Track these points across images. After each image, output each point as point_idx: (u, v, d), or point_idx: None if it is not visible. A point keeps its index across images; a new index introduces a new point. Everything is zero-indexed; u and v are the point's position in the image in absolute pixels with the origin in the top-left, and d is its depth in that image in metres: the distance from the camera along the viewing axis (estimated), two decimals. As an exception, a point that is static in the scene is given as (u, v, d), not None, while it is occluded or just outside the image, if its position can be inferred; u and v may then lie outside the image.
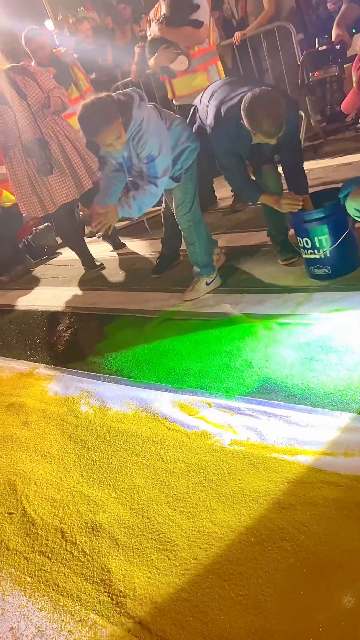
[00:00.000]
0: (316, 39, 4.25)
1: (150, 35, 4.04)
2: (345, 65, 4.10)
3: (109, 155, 2.67)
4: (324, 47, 3.95)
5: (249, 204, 4.05)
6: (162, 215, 3.32)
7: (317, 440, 1.65)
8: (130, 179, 2.76)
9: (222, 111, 2.58)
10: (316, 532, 1.36)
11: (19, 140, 3.65)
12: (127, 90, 2.63)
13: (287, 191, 2.72)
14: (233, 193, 4.22)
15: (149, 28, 4.13)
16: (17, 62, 4.13)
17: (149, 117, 2.55)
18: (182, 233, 2.99)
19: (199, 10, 3.81)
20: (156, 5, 4.01)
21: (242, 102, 2.40)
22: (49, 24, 11.41)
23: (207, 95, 2.82)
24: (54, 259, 5.01)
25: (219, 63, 4.17)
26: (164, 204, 3.20)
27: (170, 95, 4.22)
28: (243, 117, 2.40)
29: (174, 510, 1.60)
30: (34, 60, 4.53)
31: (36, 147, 3.61)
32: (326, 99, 4.45)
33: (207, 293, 2.96)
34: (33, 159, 3.66)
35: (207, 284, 2.99)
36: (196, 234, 2.93)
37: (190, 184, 2.84)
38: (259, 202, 2.77)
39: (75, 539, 1.63)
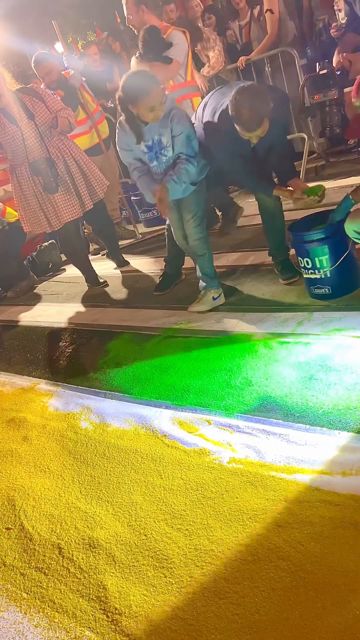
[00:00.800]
0: (317, 63, 4.35)
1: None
2: (345, 90, 4.20)
3: (137, 151, 2.77)
4: (325, 71, 4.05)
5: (237, 226, 4.11)
6: (166, 234, 3.37)
7: (315, 459, 1.65)
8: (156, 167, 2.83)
9: (216, 117, 2.67)
10: (313, 552, 1.36)
11: (26, 159, 3.72)
12: None
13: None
14: (221, 214, 4.27)
15: None
16: (27, 83, 4.24)
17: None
18: (192, 246, 3.00)
19: (172, 48, 4.12)
20: None
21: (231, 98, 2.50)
22: (58, 46, 11.69)
23: (200, 109, 2.91)
24: (58, 276, 5.06)
25: (195, 99, 4.35)
26: (167, 223, 3.24)
27: None
28: (230, 112, 2.49)
29: (172, 527, 1.60)
30: (43, 83, 4.64)
31: (43, 166, 3.68)
32: (326, 121, 4.53)
33: (208, 311, 2.98)
34: (39, 177, 3.73)
35: (214, 298, 3.01)
36: (206, 245, 3.00)
37: (202, 196, 2.91)
38: (274, 194, 2.79)
39: (72, 555, 1.63)
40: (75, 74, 4.74)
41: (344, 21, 3.93)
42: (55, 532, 1.75)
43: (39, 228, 3.98)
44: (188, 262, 3.37)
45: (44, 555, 1.67)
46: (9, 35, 7.94)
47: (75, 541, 1.69)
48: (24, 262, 5.09)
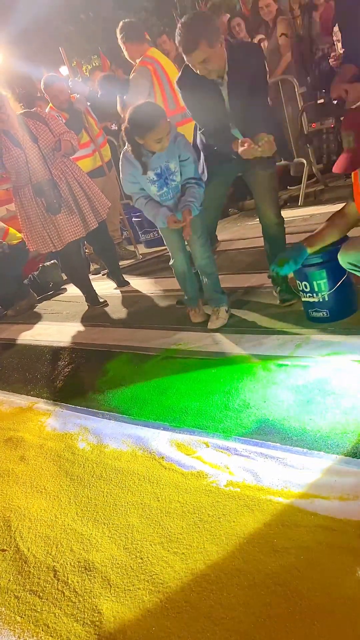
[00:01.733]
0: (317, 93, 4.47)
1: None
2: (342, 119, 4.30)
3: (143, 181, 2.82)
4: (322, 100, 4.16)
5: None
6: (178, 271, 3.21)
7: (312, 484, 1.65)
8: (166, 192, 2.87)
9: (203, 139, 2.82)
10: (309, 578, 1.35)
11: (29, 181, 3.78)
12: None
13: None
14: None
15: None
16: (31, 104, 4.33)
17: None
18: (202, 265, 3.06)
19: (129, 90, 4.28)
20: None
21: None
22: (63, 69, 11.95)
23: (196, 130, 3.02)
24: (58, 295, 5.09)
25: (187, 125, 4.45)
26: (172, 259, 3.16)
27: None
28: None
29: (168, 551, 1.60)
30: (50, 104, 4.75)
31: (45, 188, 3.75)
32: (323, 148, 4.63)
33: (206, 332, 3.01)
34: (42, 199, 3.78)
35: (226, 311, 3.08)
36: (214, 263, 3.08)
37: (203, 215, 2.96)
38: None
39: (68, 578, 1.62)
40: (81, 98, 4.84)
41: (342, 51, 4.03)
42: (50, 554, 1.74)
43: (43, 248, 4.03)
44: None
45: (39, 578, 1.66)
46: (16, 58, 8.12)
47: (70, 564, 1.67)
48: (25, 281, 5.12)
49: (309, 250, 2.48)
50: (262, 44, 5.52)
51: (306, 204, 5.12)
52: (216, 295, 3.09)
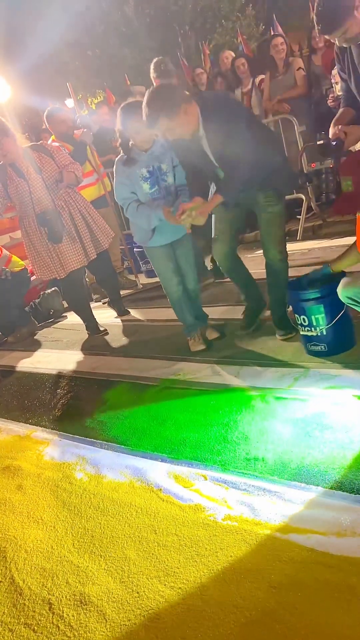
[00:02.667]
0: (317, 134, 4.61)
1: None
2: (341, 159, 4.43)
3: (136, 181, 2.93)
4: (322, 142, 4.29)
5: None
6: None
7: (309, 519, 1.65)
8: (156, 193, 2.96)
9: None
10: (307, 615, 1.35)
11: (33, 211, 3.87)
12: None
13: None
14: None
15: None
16: (37, 135, 4.46)
17: None
18: (196, 289, 3.28)
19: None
20: None
21: None
22: (69, 102, 12.29)
23: None
24: (58, 323, 5.13)
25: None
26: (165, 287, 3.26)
27: None
28: None
29: (164, 585, 1.59)
30: (53, 135, 4.90)
31: (48, 217, 3.83)
32: (322, 187, 4.75)
33: (206, 363, 3.03)
34: (45, 228, 3.87)
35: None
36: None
37: (194, 244, 3.16)
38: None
39: (63, 612, 1.61)
40: (87, 132, 5.00)
41: (340, 93, 4.18)
42: (46, 586, 1.73)
43: (47, 275, 4.11)
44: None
45: (34, 611, 1.64)
46: (25, 92, 8.37)
47: (66, 597, 1.66)
48: (26, 308, 5.17)
49: (333, 270, 2.55)
50: (262, 84, 5.73)
51: (305, 238, 5.22)
52: (203, 314, 3.35)
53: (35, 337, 4.81)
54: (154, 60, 4.55)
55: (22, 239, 4.12)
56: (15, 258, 5.00)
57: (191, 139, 2.69)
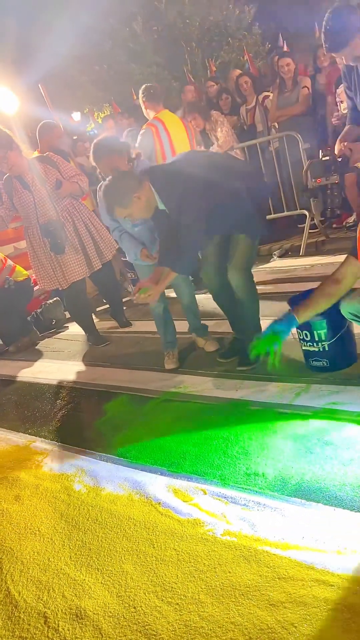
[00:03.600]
0: (320, 150, 4.66)
1: None
2: (345, 175, 4.47)
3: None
4: (327, 157, 4.33)
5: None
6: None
7: (309, 536, 1.64)
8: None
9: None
10: (306, 634, 1.33)
11: (37, 222, 3.90)
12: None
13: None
14: None
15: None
16: (44, 151, 4.51)
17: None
18: (188, 303, 3.38)
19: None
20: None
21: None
22: (76, 115, 12.44)
23: None
24: (60, 333, 5.13)
25: None
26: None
27: None
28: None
29: (162, 600, 1.57)
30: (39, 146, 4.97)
31: (51, 228, 3.86)
32: (327, 203, 4.78)
33: (207, 376, 3.03)
34: (48, 239, 3.89)
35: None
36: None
37: None
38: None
39: (58, 626, 1.59)
40: (65, 140, 5.19)
41: (345, 111, 4.23)
42: (42, 599, 1.71)
43: (51, 285, 4.14)
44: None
45: (29, 625, 1.62)
46: (32, 104, 8.47)
47: (62, 610, 1.64)
48: (28, 318, 5.18)
49: (299, 321, 2.27)
50: (266, 101, 5.81)
51: (308, 254, 5.24)
52: (202, 326, 3.45)
53: (36, 347, 4.81)
54: (144, 85, 4.67)
55: (27, 249, 4.15)
56: (19, 268, 5.02)
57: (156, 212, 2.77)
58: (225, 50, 12.33)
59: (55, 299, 5.37)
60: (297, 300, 2.76)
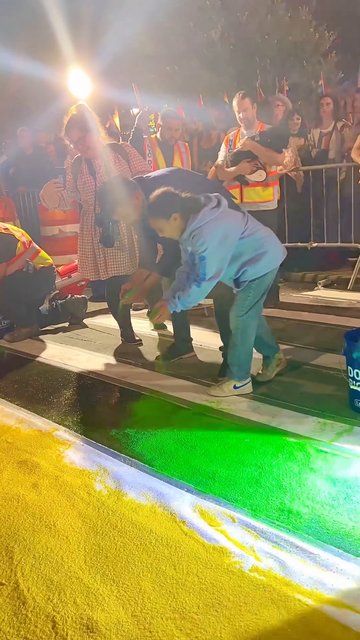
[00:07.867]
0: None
1: (237, 147, 4.50)
2: None
3: (183, 249, 2.90)
4: None
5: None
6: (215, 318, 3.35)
7: (347, 592, 1.52)
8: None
9: None
10: None
11: (94, 209, 3.84)
12: (212, 194, 2.81)
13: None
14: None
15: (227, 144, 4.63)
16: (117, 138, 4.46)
17: (219, 222, 2.71)
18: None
19: (288, 147, 4.80)
20: (235, 131, 4.74)
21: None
22: (136, 110, 12.46)
23: None
24: (92, 323, 4.97)
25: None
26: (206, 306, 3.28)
27: (237, 201, 4.48)
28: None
29: (180, 630, 1.46)
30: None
31: (106, 219, 3.78)
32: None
33: (243, 396, 2.92)
34: (100, 229, 3.82)
35: (235, 387, 2.97)
36: (241, 339, 2.95)
37: (252, 292, 2.88)
38: None
39: (67, 634, 1.49)
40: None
41: None
42: (51, 601, 1.62)
43: (88, 274, 4.08)
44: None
45: (36, 626, 1.53)
46: (102, 91, 8.52)
47: (72, 618, 1.55)
48: (44, 307, 4.90)
49: None
50: (344, 129, 5.71)
51: (355, 288, 5.10)
52: (232, 367, 3.01)
53: (66, 334, 4.69)
54: (164, 110, 4.84)
55: (77, 233, 4.09)
56: (43, 254, 4.72)
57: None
58: (298, 72, 12.23)
59: (82, 296, 5.16)
60: (353, 336, 2.65)
